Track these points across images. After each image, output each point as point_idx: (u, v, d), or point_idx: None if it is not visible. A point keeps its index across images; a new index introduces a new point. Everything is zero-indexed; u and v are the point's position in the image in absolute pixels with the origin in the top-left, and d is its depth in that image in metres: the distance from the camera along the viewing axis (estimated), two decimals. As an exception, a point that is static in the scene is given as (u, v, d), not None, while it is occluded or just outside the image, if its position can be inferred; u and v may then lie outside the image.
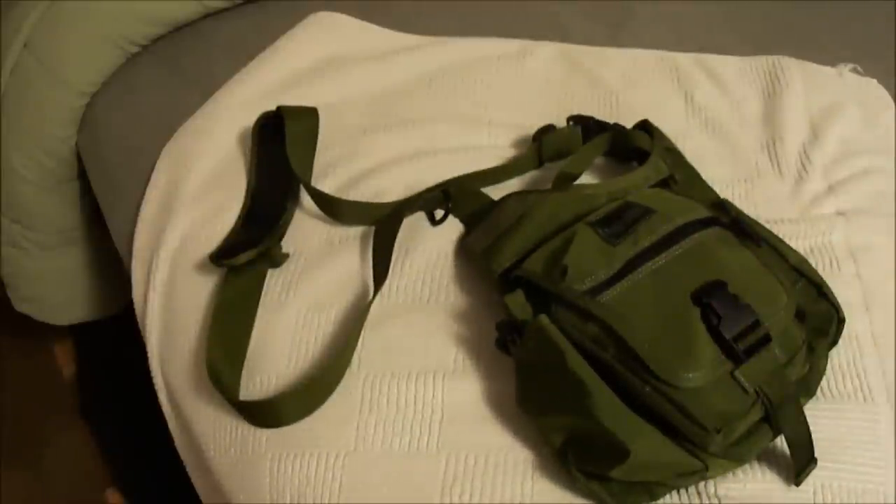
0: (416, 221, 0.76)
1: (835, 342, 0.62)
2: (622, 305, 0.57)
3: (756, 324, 0.54)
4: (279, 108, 0.83)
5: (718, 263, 0.59)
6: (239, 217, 0.78)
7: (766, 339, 0.54)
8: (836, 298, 0.61)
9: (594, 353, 0.55)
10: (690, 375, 0.53)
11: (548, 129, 0.80)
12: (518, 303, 0.60)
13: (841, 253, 0.71)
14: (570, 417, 0.56)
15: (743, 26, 0.97)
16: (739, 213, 0.65)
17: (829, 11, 0.99)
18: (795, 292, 0.60)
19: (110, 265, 1.12)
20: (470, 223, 0.74)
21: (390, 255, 0.71)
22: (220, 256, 0.72)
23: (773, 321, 0.55)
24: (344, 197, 0.78)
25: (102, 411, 1.34)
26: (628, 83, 0.89)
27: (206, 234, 0.77)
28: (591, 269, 0.59)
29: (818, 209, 0.75)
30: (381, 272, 0.70)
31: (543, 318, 0.57)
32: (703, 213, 0.63)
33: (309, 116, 0.84)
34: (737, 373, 0.53)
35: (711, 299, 0.55)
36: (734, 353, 0.54)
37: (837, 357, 0.64)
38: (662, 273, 0.58)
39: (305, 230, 0.77)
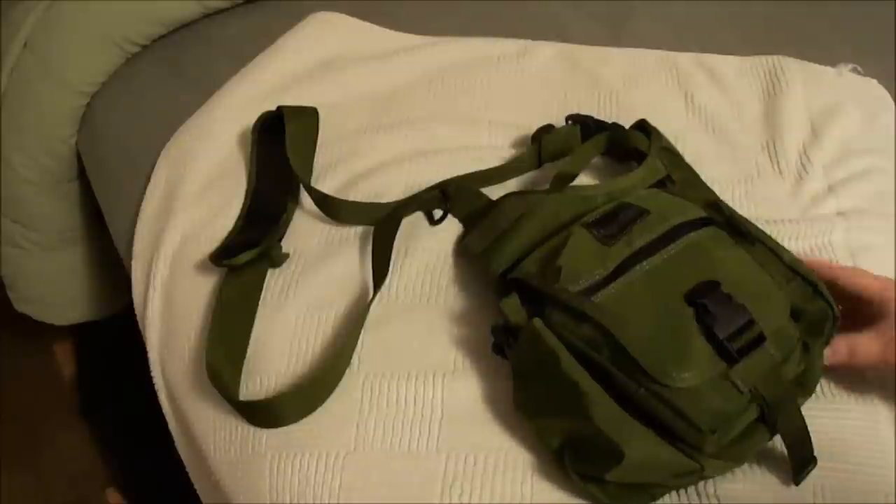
0: (416, 221, 0.76)
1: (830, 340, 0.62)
2: (616, 306, 0.56)
3: (750, 323, 0.54)
4: (279, 108, 0.83)
5: (712, 263, 0.58)
6: (239, 217, 0.78)
7: (761, 339, 0.54)
8: (830, 296, 0.61)
9: (588, 355, 0.55)
10: (684, 375, 0.52)
11: (547, 129, 0.80)
12: (513, 306, 0.60)
13: (841, 253, 0.71)
14: (566, 420, 0.56)
15: (743, 26, 0.97)
16: (733, 212, 0.65)
17: (829, 11, 0.99)
18: (790, 291, 0.59)
19: (110, 265, 1.12)
20: (468, 223, 0.74)
21: (389, 254, 0.71)
22: (220, 256, 0.72)
23: (767, 320, 0.55)
24: (344, 197, 0.77)
25: (102, 411, 1.34)
26: (628, 83, 0.89)
27: (206, 234, 0.77)
28: (585, 270, 0.58)
29: (818, 209, 0.75)
30: (380, 272, 0.70)
31: (537, 322, 0.57)
32: (698, 212, 0.63)
33: (309, 116, 0.84)
34: (731, 373, 0.53)
35: (705, 299, 0.55)
36: (728, 353, 0.53)
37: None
38: (656, 273, 0.58)
39: (305, 230, 0.77)
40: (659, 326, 0.55)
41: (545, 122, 0.81)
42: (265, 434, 0.64)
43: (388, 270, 0.70)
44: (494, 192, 0.75)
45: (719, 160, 0.80)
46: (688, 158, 0.76)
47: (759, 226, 0.65)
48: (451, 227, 0.75)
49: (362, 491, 0.60)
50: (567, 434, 0.57)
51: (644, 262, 0.59)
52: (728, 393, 0.53)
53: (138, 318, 0.78)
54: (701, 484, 0.58)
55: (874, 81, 0.88)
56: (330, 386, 0.64)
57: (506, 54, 0.93)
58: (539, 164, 0.80)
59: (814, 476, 0.57)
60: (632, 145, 0.76)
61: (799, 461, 0.56)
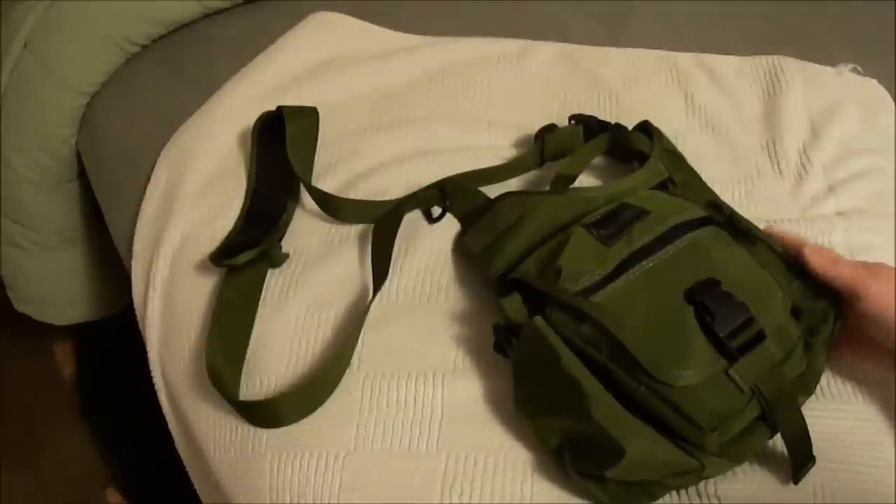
0: (416, 221, 0.76)
1: (831, 340, 0.62)
2: (615, 305, 0.56)
3: (749, 321, 0.54)
4: (279, 108, 0.83)
5: (712, 262, 0.58)
6: (239, 217, 0.78)
7: (761, 337, 0.54)
8: (833, 295, 0.61)
9: (589, 353, 0.55)
10: (684, 373, 0.52)
11: (550, 129, 0.80)
12: (514, 305, 0.60)
13: (841, 253, 0.71)
14: (567, 419, 0.56)
15: (743, 26, 0.97)
16: (734, 212, 0.65)
17: (829, 11, 0.99)
18: (791, 290, 0.59)
19: (110, 265, 1.12)
20: (466, 221, 0.74)
21: (389, 254, 0.71)
22: (220, 256, 0.72)
23: (767, 318, 0.55)
24: (344, 197, 0.77)
25: (102, 411, 1.34)
26: (628, 83, 0.89)
27: (206, 234, 0.77)
28: (584, 270, 0.58)
29: (818, 209, 0.75)
30: (380, 272, 0.70)
31: (538, 320, 0.57)
32: (698, 212, 0.63)
33: (309, 116, 0.84)
34: (731, 371, 0.53)
35: (704, 297, 0.55)
36: (728, 351, 0.53)
37: (837, 356, 0.64)
38: (656, 272, 0.58)
39: (305, 230, 0.77)
40: (659, 325, 0.55)
41: (545, 123, 0.81)
42: (265, 434, 0.64)
43: (388, 269, 0.70)
44: (496, 190, 0.75)
45: (719, 160, 0.80)
46: (688, 158, 0.76)
47: (759, 226, 0.66)
48: (451, 227, 0.75)
49: (362, 491, 0.60)
50: (567, 432, 0.56)
51: (643, 262, 0.59)
52: (728, 391, 0.53)
53: (138, 318, 0.78)
54: (701, 484, 0.58)
55: (874, 81, 0.88)
56: (330, 386, 0.64)
57: (506, 54, 0.93)
58: (541, 164, 0.80)
59: (814, 476, 0.57)
60: (634, 146, 0.76)
61: (798, 460, 0.56)
